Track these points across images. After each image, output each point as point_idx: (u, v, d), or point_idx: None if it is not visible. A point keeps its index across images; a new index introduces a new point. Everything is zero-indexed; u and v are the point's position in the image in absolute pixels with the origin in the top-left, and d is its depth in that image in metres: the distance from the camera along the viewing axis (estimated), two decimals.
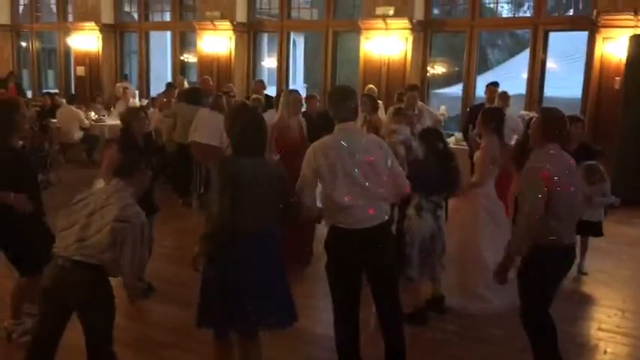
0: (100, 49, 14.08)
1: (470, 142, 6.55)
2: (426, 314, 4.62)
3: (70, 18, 14.67)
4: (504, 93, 8.21)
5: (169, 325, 4.45)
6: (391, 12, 10.54)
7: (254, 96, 8.71)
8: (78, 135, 10.76)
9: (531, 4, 11.11)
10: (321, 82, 12.25)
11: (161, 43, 15.79)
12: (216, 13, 12.24)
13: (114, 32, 14.25)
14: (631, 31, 8.66)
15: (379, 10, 10.62)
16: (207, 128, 7.37)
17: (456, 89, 12.58)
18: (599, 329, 4.70)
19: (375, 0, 10.71)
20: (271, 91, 10.60)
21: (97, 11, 13.86)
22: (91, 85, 14.12)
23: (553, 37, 10.42)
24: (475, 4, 10.66)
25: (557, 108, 3.73)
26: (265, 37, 14.60)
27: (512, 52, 18.55)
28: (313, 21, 13.87)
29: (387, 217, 3.52)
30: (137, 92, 13.97)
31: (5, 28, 15.63)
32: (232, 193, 3.07)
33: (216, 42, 12.41)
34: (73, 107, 11.01)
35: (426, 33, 10.85)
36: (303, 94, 7.44)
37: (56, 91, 14.45)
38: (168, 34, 14.37)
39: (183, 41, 13.90)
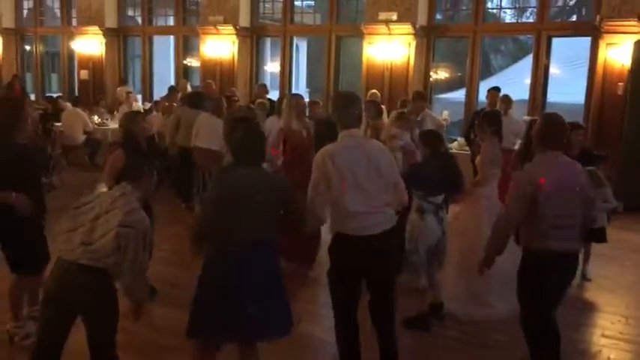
0: (104, 53, 14.12)
1: (473, 147, 6.56)
2: (428, 320, 4.61)
3: (74, 22, 14.72)
4: (506, 96, 8.23)
5: (171, 329, 4.44)
6: (394, 17, 10.56)
7: (259, 100, 8.72)
8: (81, 138, 10.78)
9: (534, 9, 11.08)
10: (323, 86, 12.26)
11: (164, 47, 15.82)
12: (220, 17, 12.27)
13: (117, 36, 14.29)
14: (634, 37, 8.66)
15: (382, 15, 10.63)
16: (208, 133, 7.37)
17: (459, 94, 12.58)
18: (603, 336, 4.68)
19: (379, 5, 10.72)
20: (274, 95, 10.61)
21: (100, 15, 13.91)
22: (95, 88, 14.15)
23: (556, 42, 10.42)
24: (478, 9, 10.67)
25: (557, 113, 3.74)
26: (268, 42, 14.61)
27: (515, 58, 18.57)
28: (316, 26, 13.88)
29: (391, 224, 3.51)
30: (140, 96, 14.03)
31: (10, 32, 15.68)
32: (229, 204, 3.11)
33: (220, 46, 12.44)
34: (79, 110, 11.04)
35: (429, 38, 10.86)
36: (306, 98, 7.44)
37: (59, 94, 14.46)
38: (172, 38, 14.40)
39: (186, 45, 13.94)
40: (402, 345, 3.80)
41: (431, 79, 11.20)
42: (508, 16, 14.02)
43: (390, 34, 10.57)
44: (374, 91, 9.82)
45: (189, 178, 7.99)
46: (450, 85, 15.49)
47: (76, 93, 14.53)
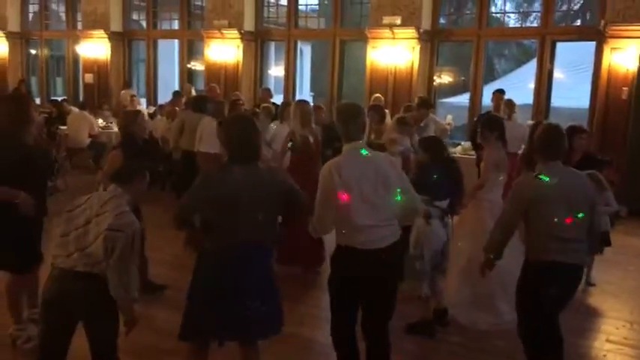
0: (109, 57, 14.17)
1: (479, 151, 6.54)
2: (433, 326, 4.59)
3: (79, 26, 14.77)
4: (509, 100, 8.26)
5: (173, 332, 4.37)
6: (398, 21, 10.56)
7: (264, 105, 8.74)
8: (87, 141, 10.81)
9: (538, 14, 11.09)
10: (327, 90, 12.27)
11: (169, 51, 15.87)
12: (224, 21, 12.30)
13: (122, 40, 14.35)
14: (639, 42, 8.64)
15: (386, 20, 10.65)
16: (210, 136, 7.38)
17: (463, 98, 12.57)
18: (607, 341, 4.66)
19: (383, 9, 10.74)
20: (278, 99, 10.62)
21: (105, 19, 13.97)
22: (99, 92, 14.19)
23: (560, 47, 10.41)
24: (482, 13, 10.66)
25: (556, 124, 3.75)
26: (272, 46, 14.65)
27: (519, 62, 18.55)
28: (320, 30, 13.90)
29: (399, 236, 3.48)
30: (144, 100, 14.07)
31: (15, 36, 15.75)
32: (227, 204, 3.09)
33: (224, 50, 12.47)
34: (85, 112, 11.07)
35: (433, 42, 10.87)
36: (310, 102, 7.44)
37: (64, 97, 14.52)
38: (176, 42, 14.45)
39: (190, 49, 13.98)
40: (404, 350, 3.80)
41: (435, 83, 11.19)
42: (512, 21, 14.04)
43: (394, 38, 10.57)
44: (378, 95, 9.82)
45: (192, 181, 7.99)
46: (453, 90, 15.47)
47: (81, 97, 14.58)
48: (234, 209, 3.11)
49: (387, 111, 8.98)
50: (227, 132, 3.29)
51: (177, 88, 13.05)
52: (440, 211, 4.51)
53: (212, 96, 9.36)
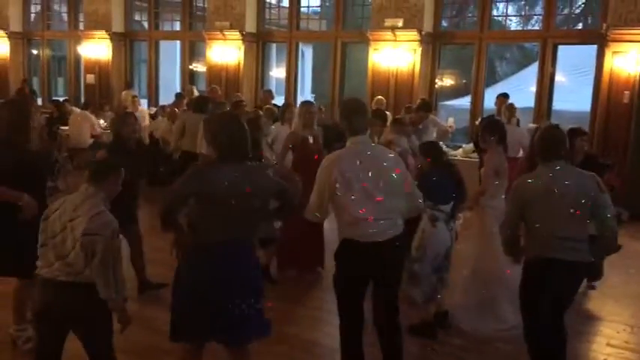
0: (110, 58, 14.18)
1: (482, 154, 6.53)
2: (435, 328, 4.58)
3: (81, 26, 14.78)
4: (510, 104, 8.29)
5: None
6: (400, 24, 10.57)
7: (267, 106, 8.74)
8: (89, 141, 10.81)
9: (540, 17, 11.09)
10: (328, 92, 12.27)
11: (171, 52, 15.88)
12: (226, 23, 12.31)
13: (124, 41, 14.35)
14: None
15: (388, 22, 10.65)
16: None
17: (464, 101, 12.58)
18: (608, 345, 4.65)
19: (384, 11, 10.74)
20: (279, 101, 10.63)
21: (107, 20, 13.98)
22: (101, 93, 14.20)
23: (562, 50, 10.41)
24: (484, 16, 10.67)
25: (555, 126, 3.78)
26: (274, 48, 14.66)
27: (521, 65, 18.57)
28: (322, 32, 13.94)
29: (400, 231, 3.49)
30: (145, 101, 14.07)
31: (17, 36, 15.76)
32: (215, 202, 3.05)
33: (226, 52, 12.48)
34: (87, 112, 11.08)
35: (434, 45, 10.87)
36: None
37: (65, 97, 14.53)
38: (178, 43, 14.45)
39: (192, 50, 13.98)
40: (406, 351, 3.78)
41: (436, 85, 11.19)
42: (514, 24, 14.03)
43: (395, 40, 10.57)
44: (380, 97, 9.84)
45: None
46: (455, 92, 15.50)
47: (82, 97, 14.59)
48: (223, 207, 3.05)
49: (388, 113, 8.99)
50: (216, 132, 3.19)
51: (178, 89, 13.08)
52: (445, 215, 4.51)
53: (213, 97, 9.36)
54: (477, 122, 9.08)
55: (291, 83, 12.66)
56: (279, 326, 4.67)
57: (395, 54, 10.65)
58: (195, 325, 3.14)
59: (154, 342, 4.33)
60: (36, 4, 15.95)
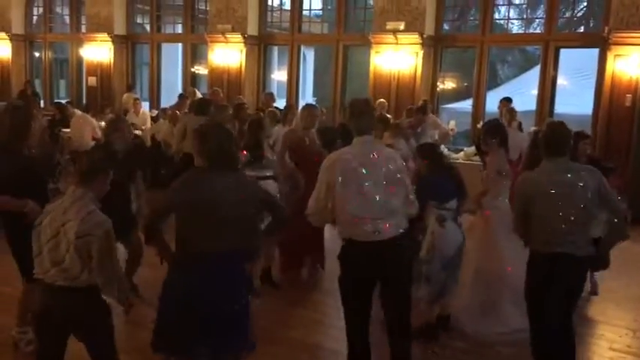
0: (112, 60, 14.19)
1: (484, 157, 6.53)
2: (437, 330, 4.58)
3: (83, 29, 14.81)
4: (511, 108, 8.33)
5: None
6: (402, 27, 10.57)
7: (269, 109, 8.75)
8: (90, 143, 10.78)
9: (542, 20, 11.09)
10: (330, 95, 12.28)
11: (173, 54, 15.90)
12: (228, 26, 12.32)
13: (126, 43, 14.36)
14: None
15: (390, 25, 10.65)
16: None
17: (466, 104, 12.58)
18: (610, 349, 4.64)
19: (386, 15, 10.74)
20: (280, 104, 10.63)
21: (109, 22, 14.00)
22: (102, 95, 14.22)
23: (564, 53, 10.41)
24: (486, 19, 10.67)
25: (561, 122, 3.78)
26: (276, 50, 14.67)
27: (522, 69, 18.58)
28: (324, 35, 13.95)
29: (401, 231, 3.49)
30: (147, 103, 14.07)
31: (19, 38, 15.79)
32: (204, 212, 3.03)
33: (227, 54, 12.49)
34: (87, 115, 11.07)
35: (436, 48, 10.87)
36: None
37: (68, 100, 14.53)
38: (180, 46, 14.47)
39: (194, 53, 14.00)
40: None
41: (438, 88, 11.19)
42: (515, 27, 14.03)
43: (397, 43, 10.58)
44: (382, 100, 9.84)
45: None
46: (456, 95, 15.49)
47: (84, 100, 14.61)
48: (213, 216, 3.04)
49: (389, 116, 8.99)
50: (206, 142, 3.20)
51: (180, 91, 13.04)
52: (452, 212, 4.52)
53: (215, 100, 9.36)
54: (478, 125, 9.07)
55: (292, 86, 12.67)
56: (280, 329, 4.70)
57: (396, 57, 10.65)
58: (179, 334, 3.08)
59: None
60: (38, 6, 15.97)
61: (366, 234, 3.39)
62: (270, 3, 12.76)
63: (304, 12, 12.76)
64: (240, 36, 12.23)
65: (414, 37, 10.48)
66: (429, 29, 10.68)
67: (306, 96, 18.76)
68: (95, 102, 13.42)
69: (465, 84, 15.70)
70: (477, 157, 8.79)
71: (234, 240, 3.11)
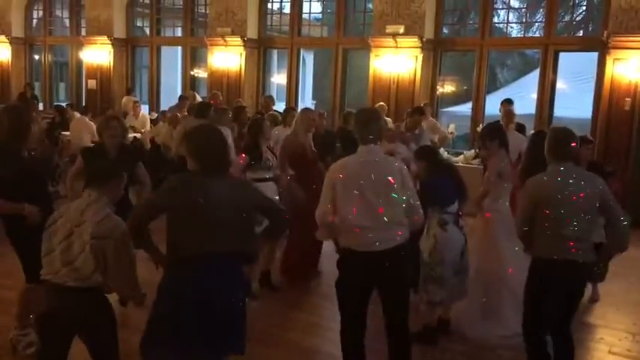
0: (112, 63, 14.21)
1: (485, 161, 6.53)
2: (436, 334, 4.57)
3: (83, 32, 14.82)
4: (509, 110, 8.29)
5: None
6: (401, 30, 10.58)
7: (270, 112, 8.75)
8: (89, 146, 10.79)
9: (541, 24, 11.12)
10: (329, 99, 12.28)
11: (172, 58, 15.92)
12: (228, 29, 12.34)
13: (126, 46, 14.38)
14: None
15: (389, 29, 10.66)
16: None
17: (465, 108, 12.59)
18: (610, 352, 4.64)
19: (386, 18, 10.76)
20: (280, 107, 10.64)
21: (109, 26, 14.02)
22: (102, 98, 14.22)
23: (563, 57, 10.42)
24: (485, 23, 10.69)
25: (564, 127, 3.79)
26: (275, 54, 14.67)
27: (521, 72, 18.60)
28: (323, 38, 13.94)
29: (403, 240, 3.48)
30: (147, 106, 14.07)
31: (19, 41, 15.81)
32: (196, 214, 2.98)
33: (227, 58, 12.50)
34: (86, 118, 11.08)
35: (435, 51, 10.88)
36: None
37: (68, 102, 14.52)
38: (180, 49, 14.48)
39: (194, 56, 14.02)
40: None
41: (437, 92, 11.20)
42: (515, 31, 14.05)
43: (396, 47, 10.59)
44: (381, 103, 9.84)
45: None
46: (456, 99, 15.52)
47: (84, 102, 14.61)
48: (207, 219, 3.00)
49: (389, 119, 9.01)
50: (198, 144, 3.14)
51: (180, 94, 13.03)
52: (453, 216, 4.51)
53: (215, 103, 9.36)
54: (478, 129, 9.07)
55: (292, 89, 12.68)
56: (278, 332, 4.70)
57: (396, 60, 10.66)
58: (170, 336, 3.01)
59: None
60: (38, 9, 16.00)
61: (367, 244, 3.37)
62: (269, 6, 12.78)
63: (304, 15, 12.78)
64: (239, 39, 12.24)
65: (414, 41, 10.49)
66: (429, 33, 10.70)
67: (306, 99, 18.77)
68: (95, 105, 13.43)
69: (465, 87, 15.73)
70: (476, 161, 8.81)
71: (229, 242, 3.07)
